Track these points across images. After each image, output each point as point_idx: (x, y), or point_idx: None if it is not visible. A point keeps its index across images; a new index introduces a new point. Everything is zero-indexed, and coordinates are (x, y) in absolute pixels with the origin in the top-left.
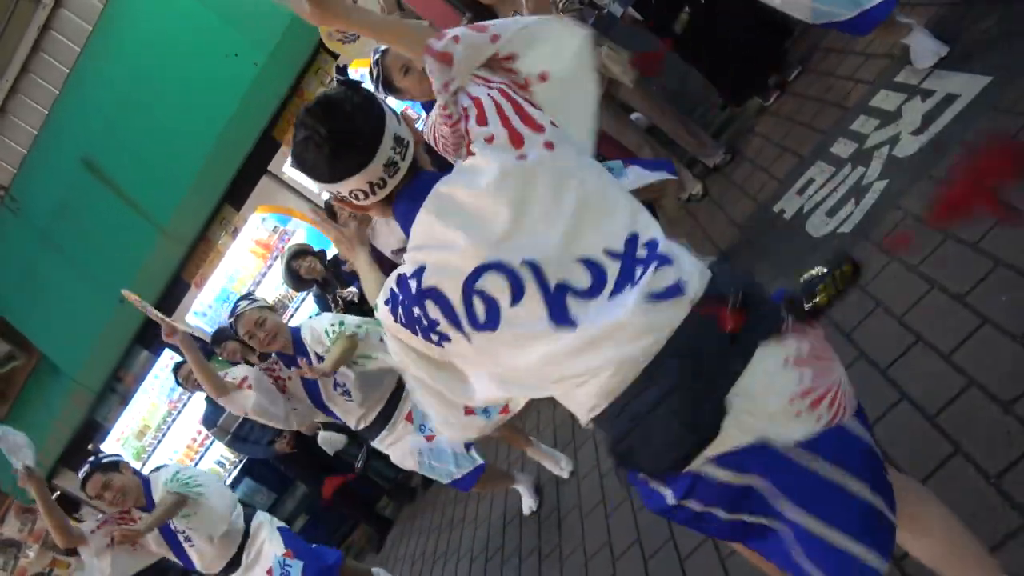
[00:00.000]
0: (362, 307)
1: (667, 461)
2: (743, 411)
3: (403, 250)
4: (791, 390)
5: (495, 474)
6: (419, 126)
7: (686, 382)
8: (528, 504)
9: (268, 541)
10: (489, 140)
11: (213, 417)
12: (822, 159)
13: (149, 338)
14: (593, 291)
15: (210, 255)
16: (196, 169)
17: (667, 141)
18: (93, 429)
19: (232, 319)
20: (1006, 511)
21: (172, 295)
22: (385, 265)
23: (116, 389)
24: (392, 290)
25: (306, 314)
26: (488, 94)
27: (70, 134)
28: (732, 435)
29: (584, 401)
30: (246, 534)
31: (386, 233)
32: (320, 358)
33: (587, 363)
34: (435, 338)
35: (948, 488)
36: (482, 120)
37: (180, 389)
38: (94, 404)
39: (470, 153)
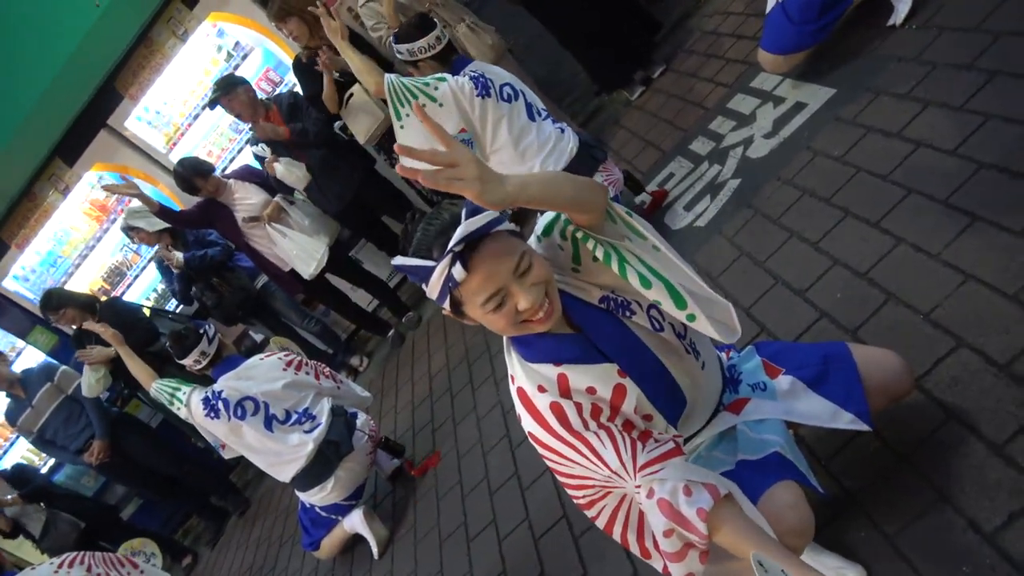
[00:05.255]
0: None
1: None
2: None
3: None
4: None
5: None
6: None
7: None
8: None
9: None
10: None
11: (13, 415)
12: (682, 155)
13: None
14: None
15: (36, 214)
16: (22, 116)
17: None
18: None
19: None
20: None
21: None
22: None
23: None
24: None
25: (147, 283)
26: None
27: None
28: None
29: None
30: None
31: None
32: None
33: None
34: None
35: None
36: None
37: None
38: None
39: None
